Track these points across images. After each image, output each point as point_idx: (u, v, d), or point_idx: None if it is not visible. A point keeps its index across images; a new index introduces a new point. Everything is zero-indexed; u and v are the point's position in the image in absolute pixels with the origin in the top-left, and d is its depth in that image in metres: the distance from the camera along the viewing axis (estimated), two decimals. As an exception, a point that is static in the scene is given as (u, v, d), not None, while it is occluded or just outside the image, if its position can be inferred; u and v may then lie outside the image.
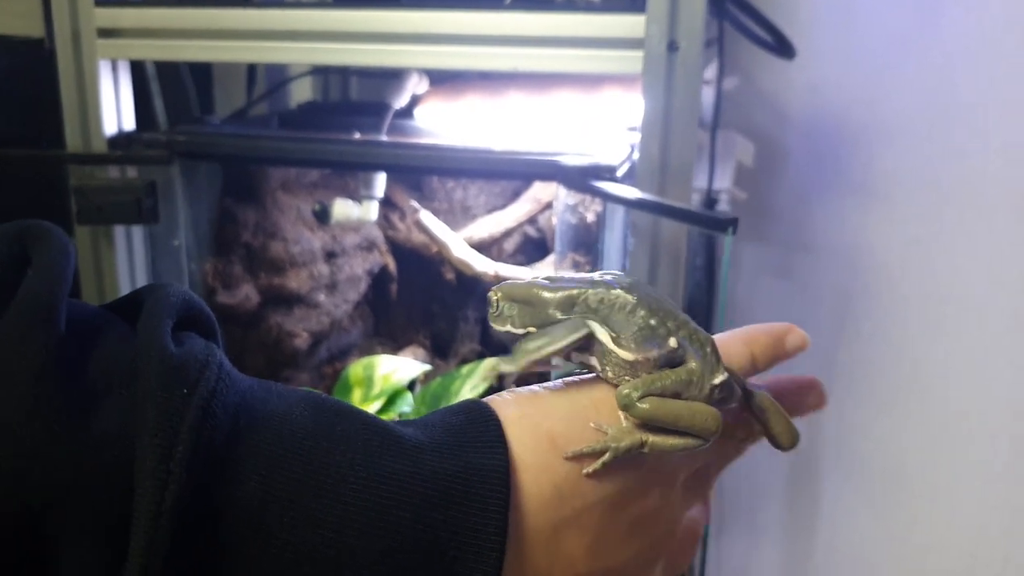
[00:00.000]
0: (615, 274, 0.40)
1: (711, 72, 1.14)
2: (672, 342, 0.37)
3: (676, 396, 0.37)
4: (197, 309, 0.34)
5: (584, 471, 0.34)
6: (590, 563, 0.35)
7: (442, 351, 1.18)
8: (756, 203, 1.35)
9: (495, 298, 0.39)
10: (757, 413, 0.41)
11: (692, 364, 0.37)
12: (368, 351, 1.15)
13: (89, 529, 0.27)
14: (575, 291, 0.38)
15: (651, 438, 0.35)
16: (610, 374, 0.37)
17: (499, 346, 1.14)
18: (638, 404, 0.35)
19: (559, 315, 0.38)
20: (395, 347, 1.17)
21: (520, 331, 0.39)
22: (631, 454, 0.35)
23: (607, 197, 0.73)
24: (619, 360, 0.37)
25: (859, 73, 1.29)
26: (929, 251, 1.31)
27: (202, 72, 1.23)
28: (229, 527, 0.29)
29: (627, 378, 0.37)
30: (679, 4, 0.75)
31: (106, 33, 0.87)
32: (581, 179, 0.77)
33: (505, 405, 0.36)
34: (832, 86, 1.31)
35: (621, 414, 0.36)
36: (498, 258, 1.11)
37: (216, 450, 0.29)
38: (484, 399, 0.37)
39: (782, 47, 1.04)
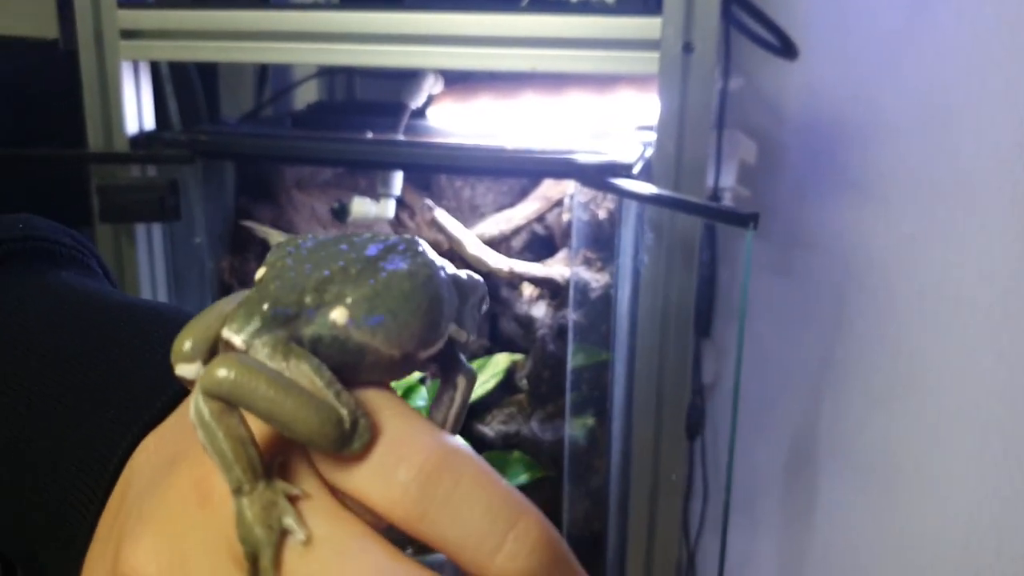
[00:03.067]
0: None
1: (717, 73, 1.17)
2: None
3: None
4: (76, 243, 0.39)
5: None
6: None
7: (450, 346, 1.20)
8: (754, 201, 1.38)
9: None
10: None
11: None
12: (378, 347, 1.16)
13: None
14: None
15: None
16: None
17: (509, 341, 1.16)
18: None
19: None
20: (404, 343, 1.18)
21: None
22: None
23: (627, 195, 0.76)
24: None
25: (855, 73, 1.32)
26: (923, 247, 1.33)
27: (208, 74, 1.24)
28: None
29: None
30: (694, 6, 0.77)
31: (128, 35, 0.89)
32: (599, 177, 0.80)
33: None
34: (828, 86, 1.33)
35: None
36: (506, 255, 1.13)
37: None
38: None
39: (785, 48, 1.07)
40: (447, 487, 0.22)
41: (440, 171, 1.08)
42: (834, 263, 1.39)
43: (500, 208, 1.15)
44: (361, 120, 0.99)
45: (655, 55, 0.78)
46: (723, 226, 1.40)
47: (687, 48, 0.78)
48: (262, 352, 0.24)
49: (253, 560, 0.22)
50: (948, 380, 1.36)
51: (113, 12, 0.88)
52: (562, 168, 0.83)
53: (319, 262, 0.28)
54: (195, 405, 0.23)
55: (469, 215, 1.16)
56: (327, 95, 1.30)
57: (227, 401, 0.23)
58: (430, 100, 0.99)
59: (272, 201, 1.04)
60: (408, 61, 0.86)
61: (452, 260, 1.15)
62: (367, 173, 1.03)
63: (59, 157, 0.91)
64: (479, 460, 0.24)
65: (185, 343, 0.25)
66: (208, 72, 1.23)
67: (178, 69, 1.08)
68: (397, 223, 1.16)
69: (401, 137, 0.92)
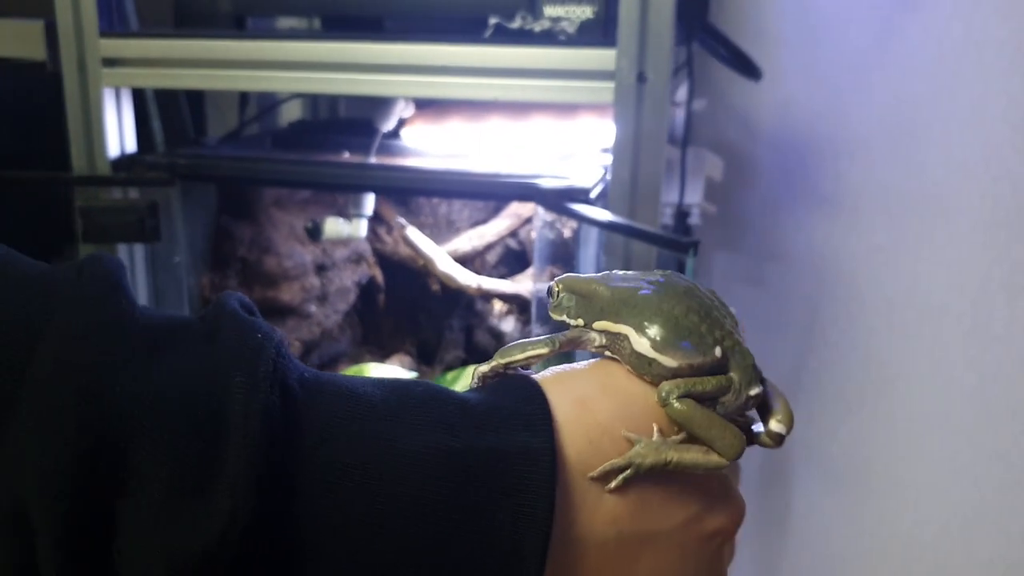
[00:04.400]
0: (673, 275, 0.40)
1: (683, 94, 1.21)
2: (717, 351, 0.37)
3: (714, 402, 0.37)
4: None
5: (607, 487, 0.36)
6: (633, 523, 0.36)
7: (427, 358, 1.24)
8: (728, 215, 1.41)
9: (556, 289, 0.41)
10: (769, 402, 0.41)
11: (733, 373, 0.38)
12: (357, 359, 1.20)
13: (162, 450, 0.30)
14: (627, 292, 0.39)
15: (675, 457, 0.36)
16: (647, 378, 0.38)
17: (483, 353, 1.19)
18: (675, 403, 0.36)
19: (602, 314, 0.39)
20: (382, 355, 1.22)
21: (573, 322, 0.40)
22: (654, 472, 0.36)
23: (579, 218, 0.79)
24: (660, 368, 0.37)
25: (825, 90, 1.35)
26: (893, 259, 1.37)
27: (194, 93, 1.28)
28: (305, 446, 0.32)
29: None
30: (647, 39, 0.81)
31: (110, 62, 0.93)
32: (557, 200, 0.83)
33: (543, 380, 0.38)
34: (799, 103, 1.37)
35: (655, 425, 0.37)
36: (480, 270, 1.17)
37: (287, 382, 0.32)
38: (525, 375, 0.39)
39: (749, 70, 1.10)
40: None
41: (408, 194, 1.12)
42: (806, 275, 1.42)
43: (475, 224, 1.19)
44: (339, 140, 1.03)
45: (610, 85, 0.82)
46: (699, 239, 1.44)
47: (641, 78, 0.81)
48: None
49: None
50: (918, 388, 1.40)
51: (95, 41, 0.92)
52: (523, 192, 0.86)
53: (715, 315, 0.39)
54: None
55: (445, 230, 1.20)
56: (311, 112, 1.34)
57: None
58: (402, 122, 1.03)
59: (252, 219, 1.07)
60: (377, 89, 0.89)
61: (423, 275, 1.18)
62: (342, 193, 1.06)
63: (43, 179, 0.95)
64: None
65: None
66: (194, 91, 1.27)
67: (165, 90, 1.12)
68: (375, 238, 1.19)
69: (373, 160, 0.96)
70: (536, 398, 0.36)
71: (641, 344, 0.37)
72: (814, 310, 1.43)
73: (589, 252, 0.90)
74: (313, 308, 1.12)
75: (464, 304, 1.21)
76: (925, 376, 1.39)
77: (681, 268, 1.13)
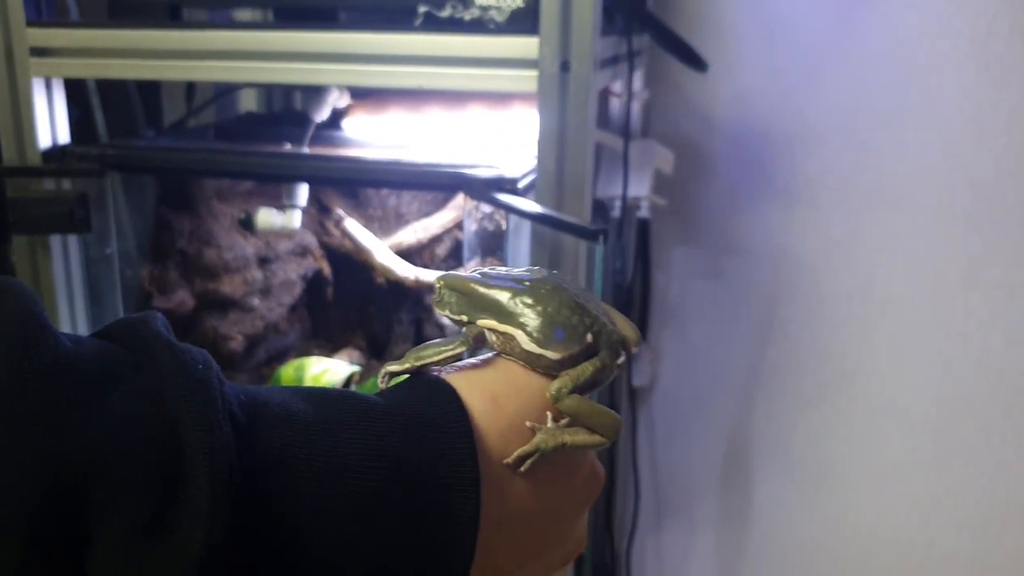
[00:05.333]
0: (540, 272, 0.45)
1: (637, 85, 1.20)
2: (588, 337, 0.43)
3: (596, 384, 0.43)
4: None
5: (520, 470, 0.40)
6: (536, 501, 0.42)
7: (377, 352, 1.23)
8: (684, 208, 1.41)
9: (439, 285, 0.45)
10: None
11: (603, 352, 0.43)
12: (306, 353, 1.19)
13: (125, 493, 0.30)
14: (503, 293, 0.43)
15: (570, 439, 0.41)
16: (539, 370, 0.43)
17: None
18: (566, 400, 0.42)
19: (484, 312, 0.43)
20: (332, 349, 1.22)
21: (456, 317, 0.44)
22: (555, 454, 0.41)
23: (500, 206, 0.79)
24: (547, 361, 0.42)
25: (782, 83, 1.34)
26: (851, 251, 1.36)
27: (149, 85, 1.27)
28: (258, 472, 0.33)
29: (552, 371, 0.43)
30: (571, 27, 0.80)
31: (38, 52, 0.92)
32: (484, 190, 0.83)
33: (453, 378, 0.42)
34: (756, 96, 1.36)
35: (548, 414, 0.42)
36: (430, 262, 1.16)
37: (233, 409, 0.34)
38: (435, 374, 0.42)
39: (693, 61, 1.10)
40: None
41: (337, 184, 1.12)
42: (764, 268, 1.42)
43: (424, 216, 1.18)
44: (281, 131, 1.02)
45: (534, 73, 0.81)
46: (657, 232, 1.44)
47: (564, 67, 0.81)
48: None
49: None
50: (878, 380, 1.39)
51: (22, 30, 0.91)
52: (450, 181, 0.86)
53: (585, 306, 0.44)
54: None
55: (394, 223, 1.19)
56: (266, 103, 1.33)
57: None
58: (341, 112, 1.02)
59: (192, 211, 1.07)
60: (307, 78, 0.89)
61: (371, 270, 1.17)
62: (278, 184, 1.06)
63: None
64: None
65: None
66: (150, 83, 1.26)
67: (107, 81, 1.11)
68: (322, 230, 1.19)
69: (306, 150, 0.95)
70: (453, 400, 0.40)
71: (528, 343, 0.42)
72: (772, 304, 1.43)
73: (521, 243, 0.90)
74: (256, 301, 1.11)
75: (413, 297, 1.20)
76: (884, 369, 1.39)
77: (646, 248, 1.12)
